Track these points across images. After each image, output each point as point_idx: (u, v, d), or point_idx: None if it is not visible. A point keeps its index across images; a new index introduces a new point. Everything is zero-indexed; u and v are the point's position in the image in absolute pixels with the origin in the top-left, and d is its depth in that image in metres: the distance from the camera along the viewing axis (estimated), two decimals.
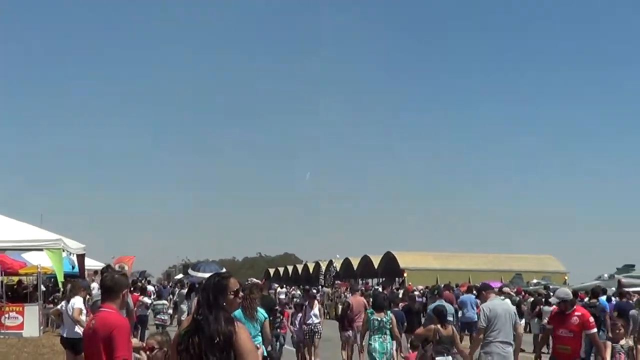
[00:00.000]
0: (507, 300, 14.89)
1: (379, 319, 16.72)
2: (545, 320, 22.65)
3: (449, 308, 17.83)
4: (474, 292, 33.58)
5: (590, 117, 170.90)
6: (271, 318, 18.38)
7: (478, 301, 32.47)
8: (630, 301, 26.30)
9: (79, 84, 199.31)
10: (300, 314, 23.08)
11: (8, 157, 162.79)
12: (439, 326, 14.15)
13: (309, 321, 22.34)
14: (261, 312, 14.81)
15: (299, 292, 50.89)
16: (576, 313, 13.19)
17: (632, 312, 22.48)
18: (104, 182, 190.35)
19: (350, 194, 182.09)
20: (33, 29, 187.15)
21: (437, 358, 13.68)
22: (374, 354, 16.28)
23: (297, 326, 22.85)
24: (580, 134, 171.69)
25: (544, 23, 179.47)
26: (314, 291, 38.21)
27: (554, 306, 15.11)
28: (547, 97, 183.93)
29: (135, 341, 10.53)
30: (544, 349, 18.05)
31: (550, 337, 14.64)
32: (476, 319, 30.22)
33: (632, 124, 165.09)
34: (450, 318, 15.14)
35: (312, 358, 22.38)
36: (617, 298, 27.07)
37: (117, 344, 6.97)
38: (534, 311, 29.68)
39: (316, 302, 24.49)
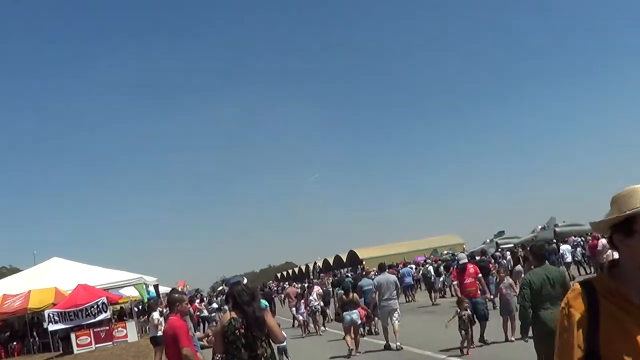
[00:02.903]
0: (388, 274, 16.26)
1: (341, 292, 18.41)
2: None
3: (367, 282, 19.06)
4: (410, 266, 34.81)
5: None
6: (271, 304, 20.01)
7: (412, 270, 33.51)
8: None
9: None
10: (302, 300, 22.65)
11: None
12: (343, 295, 15.71)
13: (310, 304, 21.91)
14: (263, 302, 15.84)
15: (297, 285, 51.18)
16: (470, 266, 14.21)
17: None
18: (165, 234, 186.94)
19: (323, 215, 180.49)
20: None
21: (343, 313, 14.96)
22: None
23: (302, 309, 22.32)
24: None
25: None
26: (313, 281, 38.66)
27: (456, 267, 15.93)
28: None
29: (198, 334, 11.03)
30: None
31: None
32: (412, 284, 31.26)
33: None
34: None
35: (318, 327, 21.85)
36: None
37: (179, 337, 6.99)
38: (448, 271, 30.16)
39: (315, 289, 23.85)
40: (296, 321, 23.43)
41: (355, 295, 15.59)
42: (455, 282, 14.35)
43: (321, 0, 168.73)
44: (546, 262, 8.27)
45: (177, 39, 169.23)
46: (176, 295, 7.88)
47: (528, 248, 16.97)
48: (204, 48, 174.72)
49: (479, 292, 13.82)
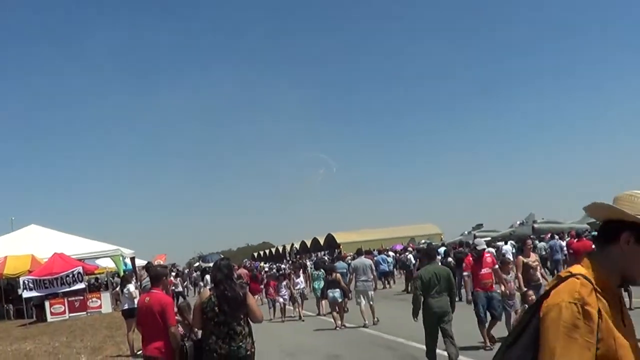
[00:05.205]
0: (364, 258, 17.74)
1: (317, 273, 20.49)
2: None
3: (342, 265, 21.16)
4: (386, 253, 35.05)
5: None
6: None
7: (389, 258, 33.63)
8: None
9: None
10: (285, 281, 21.19)
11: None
12: (327, 275, 17.98)
13: (297, 287, 20.70)
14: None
15: (274, 266, 51.19)
16: (487, 255, 12.19)
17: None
18: (144, 207, 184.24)
19: (302, 196, 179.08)
20: None
21: (327, 291, 17.00)
22: (315, 289, 20.52)
23: (283, 291, 20.77)
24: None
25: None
26: (301, 262, 35.17)
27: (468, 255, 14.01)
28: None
29: None
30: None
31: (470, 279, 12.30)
32: (387, 271, 31.46)
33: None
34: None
35: (301, 310, 20.27)
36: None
37: (168, 314, 7.00)
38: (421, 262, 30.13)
39: (301, 271, 23.15)
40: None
41: (337, 275, 17.18)
42: (465, 273, 12.59)
43: None
44: (436, 260, 10.54)
45: (162, 17, 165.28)
46: (161, 269, 7.95)
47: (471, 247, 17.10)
48: (196, 23, 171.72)
49: (494, 285, 12.07)
